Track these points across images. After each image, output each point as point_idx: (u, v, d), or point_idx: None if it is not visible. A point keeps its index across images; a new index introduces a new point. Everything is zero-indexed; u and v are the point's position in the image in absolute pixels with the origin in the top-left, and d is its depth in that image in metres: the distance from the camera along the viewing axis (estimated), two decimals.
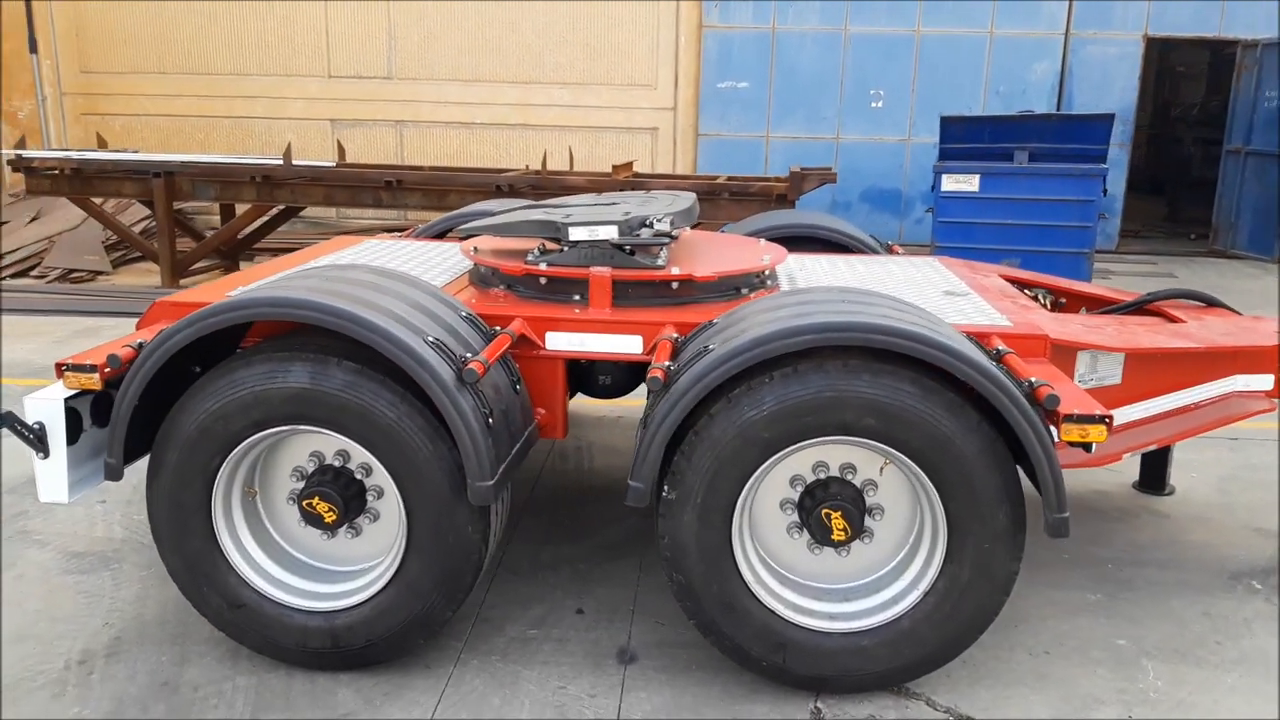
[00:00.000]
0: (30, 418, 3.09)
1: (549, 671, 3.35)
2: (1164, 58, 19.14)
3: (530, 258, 3.76)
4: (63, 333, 7.71)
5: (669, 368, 3.08)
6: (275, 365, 3.06)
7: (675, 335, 3.38)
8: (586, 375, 3.89)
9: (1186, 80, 19.78)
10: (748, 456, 2.99)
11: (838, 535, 3.10)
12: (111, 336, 3.48)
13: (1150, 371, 3.84)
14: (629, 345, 3.51)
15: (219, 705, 3.15)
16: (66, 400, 3.13)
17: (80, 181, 9.56)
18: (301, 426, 3.11)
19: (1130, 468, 5.02)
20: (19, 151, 9.58)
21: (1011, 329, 3.52)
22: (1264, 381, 3.95)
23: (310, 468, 3.29)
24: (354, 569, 3.37)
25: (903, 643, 3.11)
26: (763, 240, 4.52)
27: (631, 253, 3.73)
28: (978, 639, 3.13)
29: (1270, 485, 5.03)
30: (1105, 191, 9.25)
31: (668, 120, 12.92)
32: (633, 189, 7.90)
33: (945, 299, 3.99)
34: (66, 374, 3.14)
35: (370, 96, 13.06)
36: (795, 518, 3.21)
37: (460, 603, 3.23)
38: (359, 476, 3.28)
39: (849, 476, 3.18)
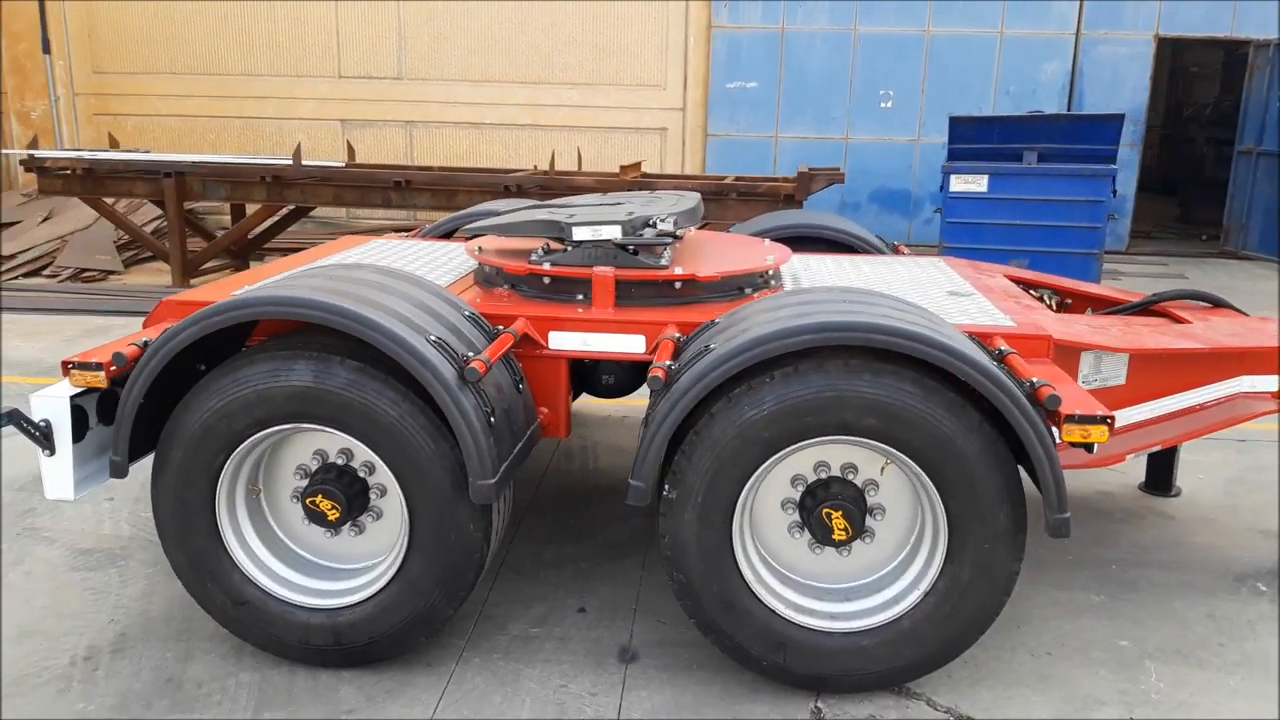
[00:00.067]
0: (36, 415, 3.12)
1: (550, 670, 3.36)
2: (1177, 58, 19.06)
3: (534, 257, 3.78)
4: (73, 331, 7.77)
5: (670, 367, 3.09)
6: (279, 364, 3.08)
7: (677, 335, 3.39)
8: (590, 375, 3.90)
9: (1200, 80, 19.69)
10: (748, 456, 2.99)
11: (839, 535, 3.10)
12: (122, 335, 3.51)
13: (1155, 372, 3.82)
14: (632, 345, 3.52)
15: (222, 701, 3.17)
16: (72, 398, 3.16)
17: (92, 181, 9.63)
18: (305, 425, 3.13)
19: (1136, 469, 5.00)
20: (31, 151, 9.65)
21: (1014, 329, 3.51)
22: (1269, 383, 3.93)
23: (314, 466, 3.31)
24: (357, 567, 3.39)
25: (903, 643, 3.11)
26: (767, 240, 4.52)
27: (635, 253, 3.74)
28: (978, 639, 3.13)
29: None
30: (1115, 192, 9.21)
31: (677, 120, 12.93)
32: (640, 189, 7.91)
33: (949, 299, 3.98)
34: (72, 372, 3.16)
35: (380, 97, 13.11)
36: (796, 517, 3.21)
37: (462, 601, 3.24)
38: (362, 474, 3.30)
39: (850, 476, 3.18)
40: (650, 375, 3.03)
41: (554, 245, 3.86)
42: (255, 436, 3.16)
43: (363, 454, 3.23)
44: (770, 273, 3.99)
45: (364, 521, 3.35)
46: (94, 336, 7.53)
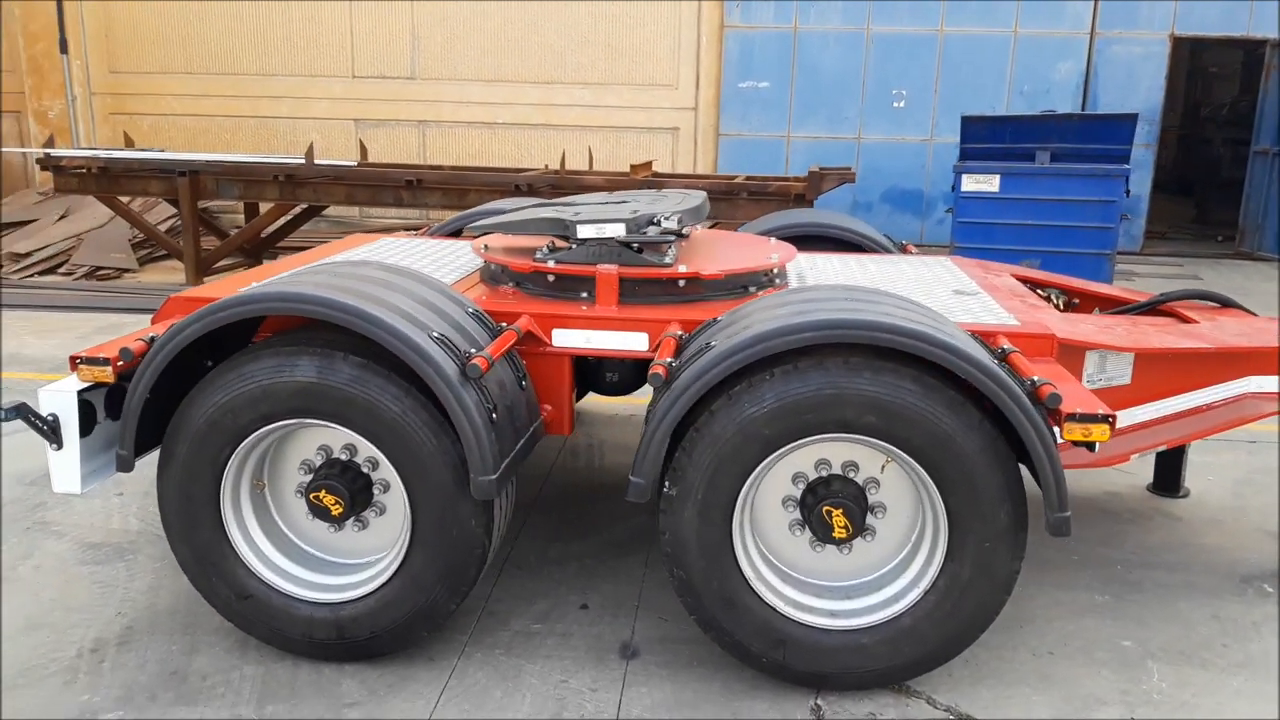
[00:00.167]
0: (44, 410, 3.15)
1: (551, 665, 3.37)
2: (1196, 58, 18.94)
3: (538, 255, 3.80)
4: (88, 328, 7.83)
5: (671, 364, 3.10)
6: (283, 359, 3.10)
7: (680, 332, 3.40)
8: (594, 372, 3.91)
9: (1220, 81, 19.54)
10: (748, 453, 3.00)
11: (839, 533, 3.10)
12: (134, 332, 3.55)
13: (1160, 372, 3.81)
14: (635, 342, 3.54)
15: (226, 694, 3.20)
16: (80, 393, 3.19)
17: (107, 180, 9.71)
18: (308, 420, 3.16)
19: (1144, 470, 4.98)
20: (48, 150, 9.74)
21: (1018, 328, 3.51)
22: (1275, 383, 3.91)
23: (318, 461, 3.33)
24: (360, 561, 3.41)
25: (903, 641, 3.11)
26: (773, 239, 4.52)
27: (639, 250, 3.75)
28: (979, 637, 3.12)
29: None
30: (1128, 192, 9.17)
31: (689, 120, 12.94)
32: (650, 189, 7.91)
33: (954, 298, 3.98)
34: (80, 367, 3.20)
35: (394, 96, 13.17)
36: (797, 515, 3.22)
37: (464, 596, 3.26)
38: (365, 470, 3.32)
39: (851, 474, 3.18)
40: (651, 372, 3.05)
41: (559, 243, 3.88)
42: (259, 431, 3.18)
43: (366, 449, 3.25)
44: (775, 271, 3.99)
45: (367, 517, 3.37)
46: (108, 334, 7.59)
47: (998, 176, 9.09)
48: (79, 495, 3.76)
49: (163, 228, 10.88)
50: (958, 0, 12.21)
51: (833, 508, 3.09)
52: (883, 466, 3.18)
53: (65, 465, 3.21)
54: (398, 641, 3.31)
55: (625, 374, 3.89)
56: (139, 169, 9.70)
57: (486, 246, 4.08)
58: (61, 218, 11.28)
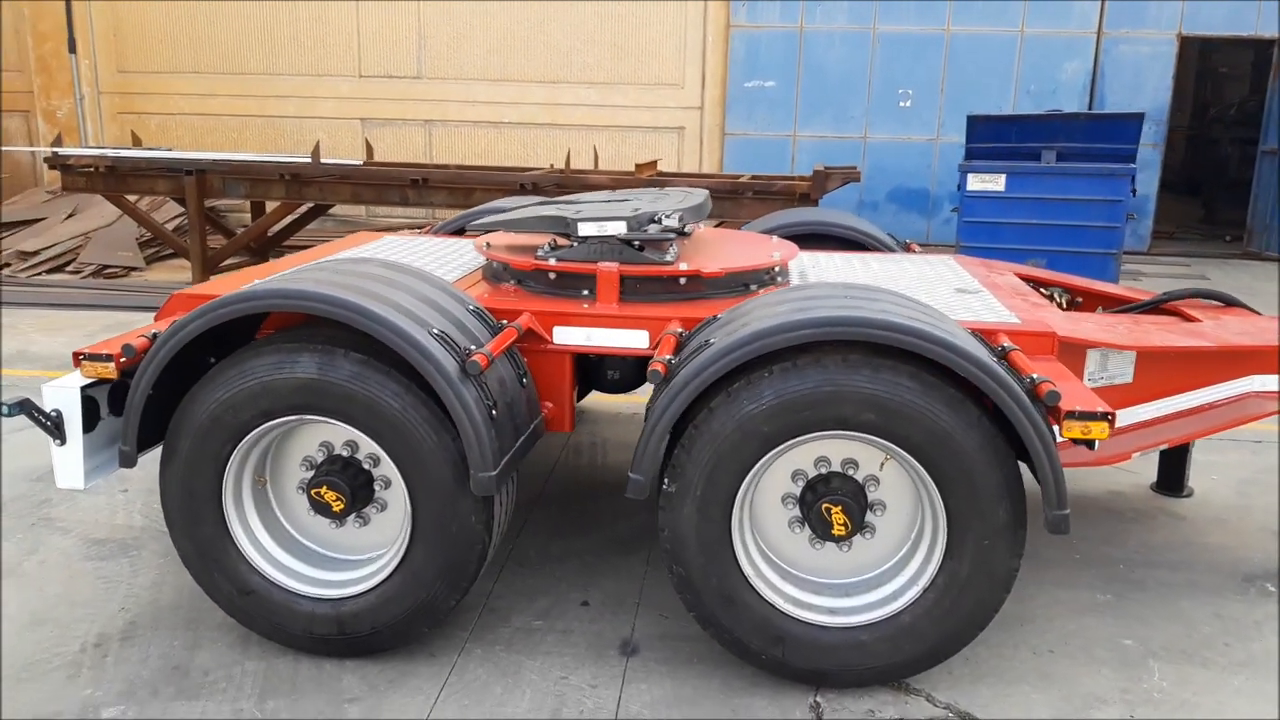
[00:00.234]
0: (48, 405, 3.17)
1: (551, 662, 3.38)
2: (1206, 58, 18.87)
3: (540, 253, 3.81)
4: (95, 326, 7.87)
5: (670, 361, 3.11)
6: (284, 356, 3.12)
7: (680, 330, 3.41)
8: (596, 370, 3.92)
9: (1230, 81, 19.46)
10: (747, 450, 3.00)
11: (838, 530, 3.10)
12: None
13: (1162, 370, 3.80)
14: (635, 340, 3.54)
15: (227, 689, 3.21)
16: (84, 389, 3.21)
17: (115, 179, 9.75)
18: (310, 416, 3.17)
19: (1148, 469, 4.97)
20: (56, 149, 9.78)
21: (1019, 326, 3.51)
22: (1277, 382, 3.90)
23: (319, 457, 3.35)
24: (361, 557, 3.42)
25: (902, 638, 3.11)
26: (775, 238, 4.52)
27: (641, 248, 3.76)
28: (978, 635, 3.12)
29: None
30: (1134, 192, 9.14)
31: (694, 119, 12.94)
32: (653, 188, 7.92)
33: (956, 296, 3.98)
34: (83, 363, 3.22)
35: (400, 96, 13.20)
36: (797, 512, 3.22)
37: (464, 592, 3.27)
38: (367, 466, 3.33)
39: (850, 472, 3.18)
40: (649, 369, 3.06)
41: (560, 241, 3.88)
42: (261, 428, 3.20)
43: (367, 446, 3.26)
44: (776, 269, 3.99)
45: (368, 513, 3.39)
46: (114, 332, 7.55)
47: (1003, 176, 9.08)
48: (82, 491, 3.79)
49: (170, 226, 10.93)
50: (964, 0, 12.20)
51: (832, 505, 3.09)
52: (882, 464, 3.18)
53: (68, 461, 3.24)
54: (398, 637, 3.32)
55: (627, 372, 3.89)
56: (146, 168, 9.73)
57: (488, 244, 4.09)
58: (69, 216, 11.33)
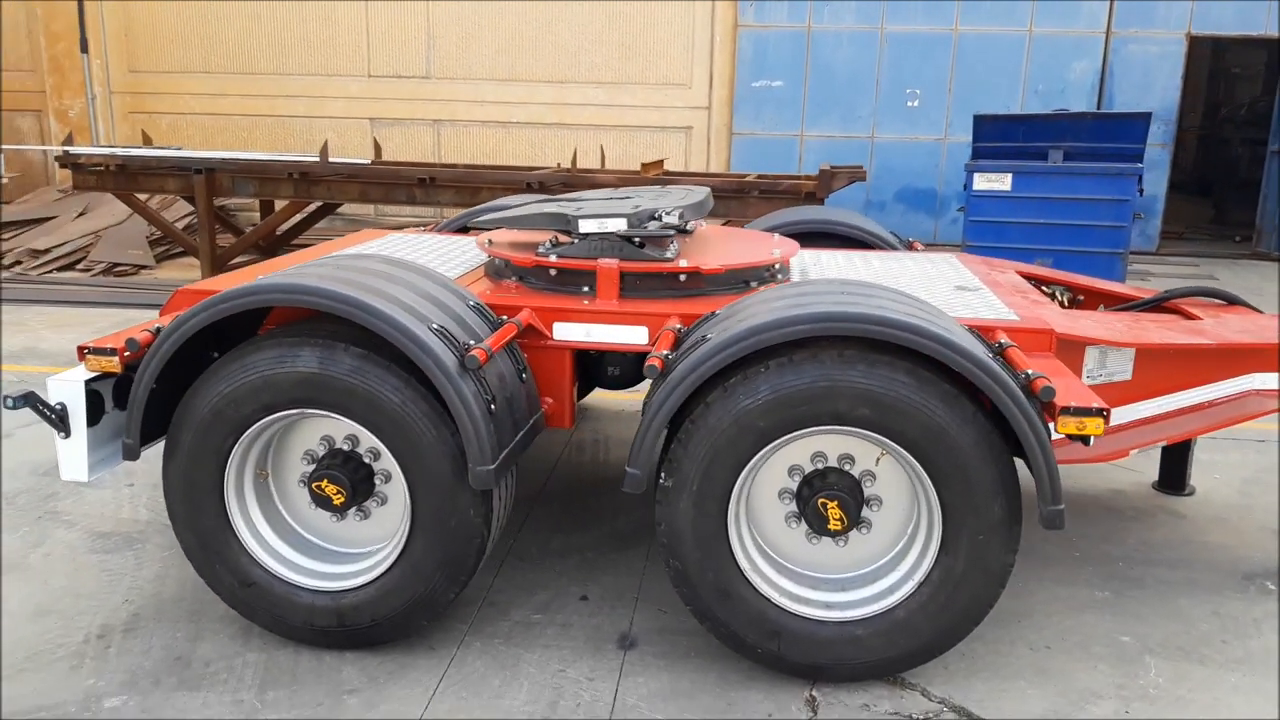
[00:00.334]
0: (52, 399, 3.21)
1: (550, 655, 3.40)
2: (1219, 58, 18.79)
3: (541, 249, 3.83)
4: (104, 324, 7.92)
5: (667, 356, 3.12)
6: (285, 350, 3.15)
7: (678, 326, 3.42)
8: (596, 366, 3.94)
9: (1242, 81, 19.37)
10: (743, 445, 3.02)
11: (834, 525, 3.11)
12: None
13: (1161, 368, 3.81)
14: (635, 336, 3.56)
15: (228, 680, 3.24)
16: (88, 383, 3.25)
17: (125, 178, 9.82)
18: (310, 410, 3.20)
19: (1150, 467, 4.97)
20: (67, 148, 9.85)
21: (1017, 323, 3.51)
22: (1277, 380, 3.90)
23: (321, 451, 3.38)
24: (361, 551, 3.45)
25: (897, 633, 3.12)
26: (776, 235, 4.54)
27: (641, 245, 3.78)
28: (973, 630, 3.13)
29: None
30: (1141, 191, 9.12)
31: (702, 119, 12.95)
32: (657, 186, 7.94)
33: (955, 293, 3.99)
34: (88, 357, 3.26)
35: (409, 96, 13.25)
36: (793, 507, 3.23)
37: (463, 585, 3.30)
38: (367, 460, 3.36)
39: (847, 467, 3.20)
40: (647, 364, 3.08)
41: (562, 238, 3.91)
42: (262, 421, 3.23)
43: (368, 440, 3.29)
44: (776, 266, 4.00)
45: (369, 506, 3.41)
46: (123, 329, 7.67)
47: (1010, 175, 9.06)
48: (87, 484, 3.83)
49: (180, 225, 10.99)
50: (972, 0, 12.19)
51: (828, 500, 3.10)
52: (878, 459, 3.19)
53: (73, 454, 3.27)
54: (398, 629, 3.35)
55: (627, 368, 3.91)
56: (156, 167, 9.80)
57: (490, 241, 4.12)
58: (80, 215, 11.41)
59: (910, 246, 5.39)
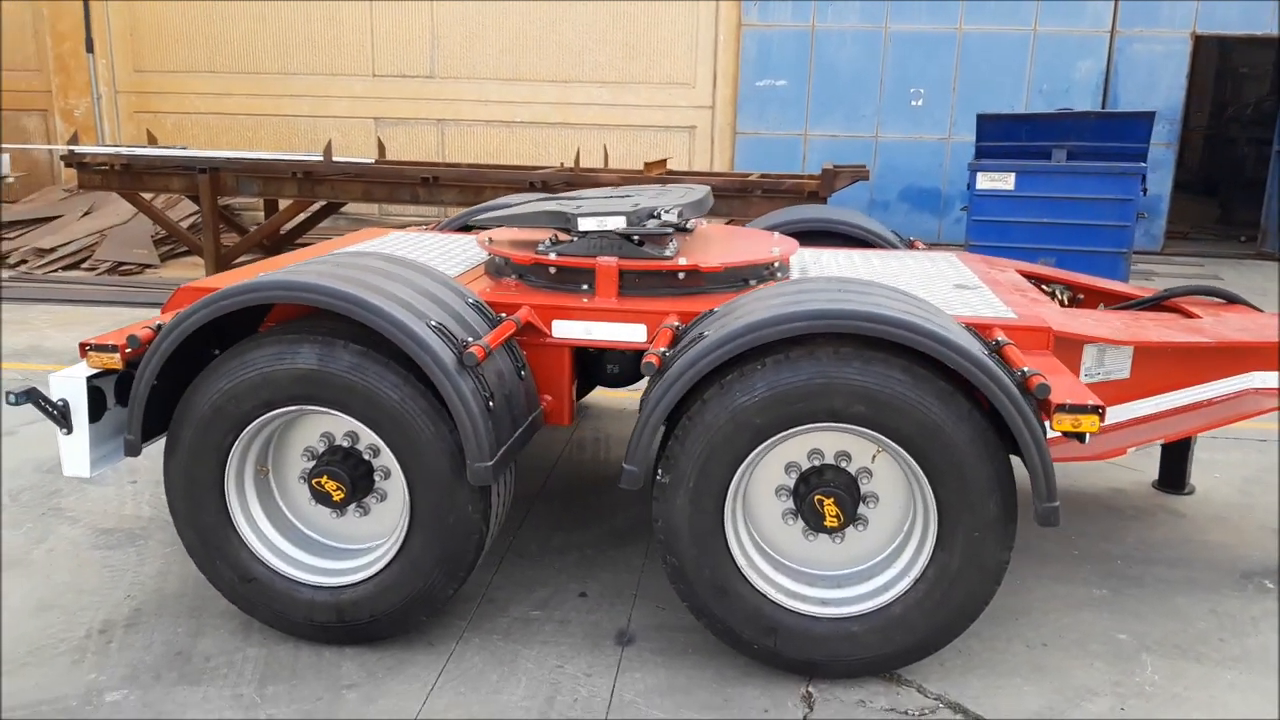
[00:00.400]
0: (54, 395, 3.23)
1: (548, 651, 3.42)
2: (1226, 58, 18.74)
3: (540, 248, 3.84)
4: (109, 322, 7.95)
5: (664, 353, 3.14)
6: (284, 347, 3.17)
7: (676, 323, 3.44)
8: (596, 364, 3.96)
9: (1250, 81, 19.31)
10: (740, 441, 3.03)
11: (830, 522, 3.13)
12: None
13: (1160, 366, 3.81)
14: (633, 334, 3.58)
15: (229, 674, 3.26)
16: (90, 379, 3.27)
17: (130, 177, 9.86)
18: (310, 407, 3.22)
19: (1150, 466, 4.97)
20: (72, 147, 9.89)
21: (1015, 321, 3.52)
22: (1277, 379, 3.90)
23: (321, 448, 3.40)
24: (361, 547, 3.47)
25: (893, 629, 3.13)
26: (776, 234, 4.55)
27: (641, 243, 3.79)
28: (968, 627, 3.14)
29: None
30: (1145, 191, 9.11)
31: (706, 118, 12.96)
32: (658, 184, 7.94)
33: (954, 292, 3.99)
34: (89, 354, 3.28)
35: (413, 95, 13.28)
36: (790, 504, 3.25)
37: (462, 581, 3.31)
38: (367, 457, 3.38)
39: (843, 464, 3.21)
40: (644, 361, 3.09)
41: (561, 236, 3.92)
42: (263, 418, 3.25)
43: (368, 437, 3.31)
44: (775, 265, 4.01)
45: (369, 503, 3.43)
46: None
47: (1013, 174, 9.06)
48: (89, 479, 3.85)
49: (184, 224, 11.02)
50: None
51: (824, 497, 3.11)
52: (874, 456, 3.20)
53: (75, 449, 3.30)
54: (397, 625, 3.37)
55: (626, 365, 3.92)
56: (161, 166, 9.84)
57: (490, 240, 4.13)
58: (86, 214, 11.46)
59: (911, 245, 5.40)
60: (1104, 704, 3.18)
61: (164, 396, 3.30)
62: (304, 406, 3.22)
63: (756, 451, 3.07)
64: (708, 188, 4.50)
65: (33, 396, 3.18)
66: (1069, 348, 3.66)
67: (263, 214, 11.19)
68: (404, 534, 3.27)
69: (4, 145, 12.36)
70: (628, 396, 5.77)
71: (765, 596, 3.17)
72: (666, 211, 3.82)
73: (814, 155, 12.65)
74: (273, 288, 3.17)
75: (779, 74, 12.66)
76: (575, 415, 3.87)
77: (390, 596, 3.30)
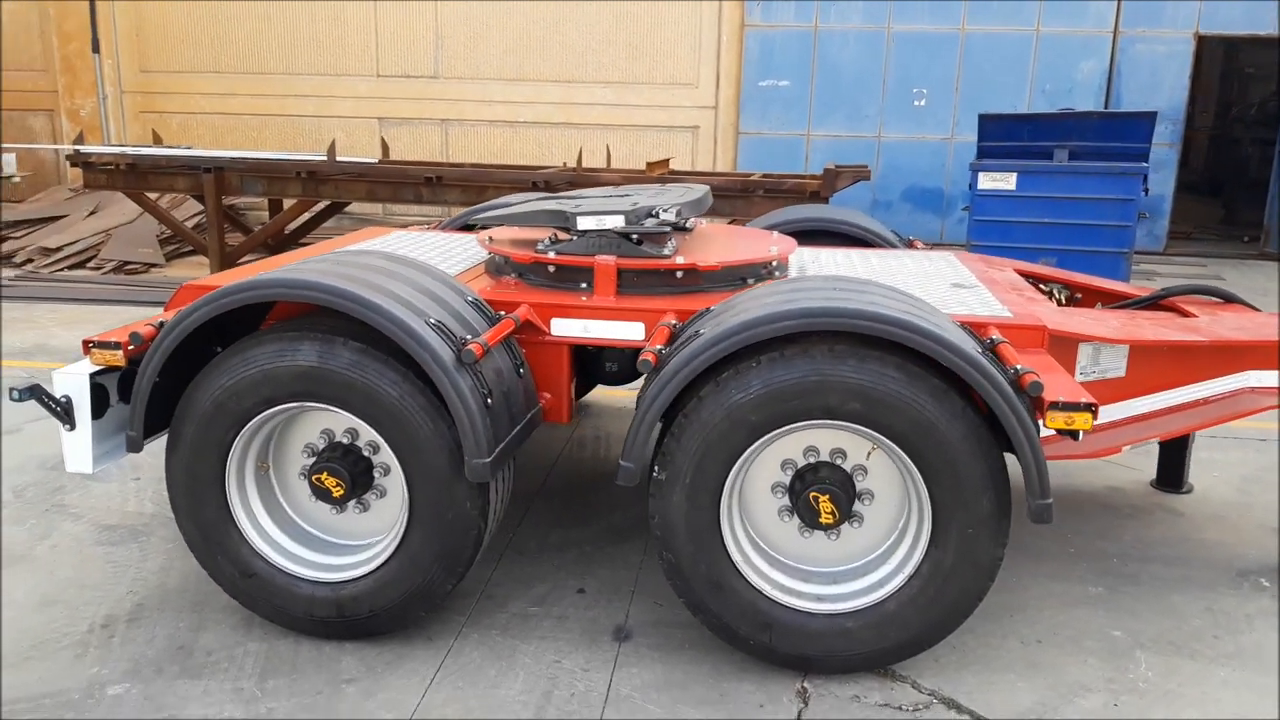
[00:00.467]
0: (58, 392, 3.26)
1: (546, 646, 3.45)
2: (1231, 58, 18.72)
3: (540, 246, 3.87)
4: (114, 321, 8.00)
5: (661, 351, 3.16)
6: (285, 344, 3.20)
7: (673, 321, 3.46)
8: (595, 363, 3.98)
9: (1256, 81, 19.27)
10: (735, 439, 3.06)
11: (825, 519, 3.15)
12: None
13: (1155, 365, 3.83)
14: (631, 332, 3.60)
15: (229, 669, 3.30)
16: (93, 376, 3.31)
17: (135, 176, 9.91)
18: (310, 404, 3.25)
19: (1148, 465, 4.99)
20: (78, 147, 9.95)
21: (1010, 319, 3.54)
22: (1273, 378, 3.91)
23: (321, 445, 3.43)
24: (360, 543, 3.50)
25: (887, 625, 3.16)
26: (775, 233, 4.57)
27: (639, 242, 3.82)
28: (962, 623, 3.16)
29: None
30: (1146, 191, 9.12)
31: (709, 119, 12.99)
32: (658, 184, 7.97)
33: (951, 291, 4.01)
34: (92, 351, 3.31)
35: (417, 95, 13.33)
36: (786, 501, 3.27)
37: (460, 577, 3.34)
38: (366, 454, 3.41)
39: (839, 461, 3.23)
40: (640, 358, 3.12)
41: (561, 235, 3.95)
42: (263, 414, 3.28)
43: (367, 434, 3.34)
44: (773, 264, 4.04)
45: (368, 499, 3.46)
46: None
47: (1014, 174, 9.07)
48: (91, 475, 3.88)
49: (189, 224, 11.08)
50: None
51: (819, 494, 3.14)
52: (869, 454, 3.22)
53: (78, 446, 3.33)
54: (396, 620, 3.39)
55: (625, 364, 3.95)
56: (166, 166, 9.89)
57: (490, 238, 4.16)
58: (91, 213, 11.51)
59: (910, 245, 5.42)
60: (1097, 700, 3.20)
61: (166, 393, 3.33)
62: (304, 403, 3.25)
63: (752, 448, 3.09)
64: (706, 187, 4.52)
65: (36, 393, 3.22)
66: (1064, 346, 3.68)
67: (267, 214, 11.24)
68: (403, 530, 3.29)
69: (10, 145, 12.42)
70: (628, 395, 5.80)
71: (761, 592, 3.19)
72: (665, 211, 3.85)
73: (816, 155, 12.67)
74: (273, 285, 3.20)
75: (782, 74, 12.69)
76: (574, 413, 3.90)
77: (389, 592, 3.33)
